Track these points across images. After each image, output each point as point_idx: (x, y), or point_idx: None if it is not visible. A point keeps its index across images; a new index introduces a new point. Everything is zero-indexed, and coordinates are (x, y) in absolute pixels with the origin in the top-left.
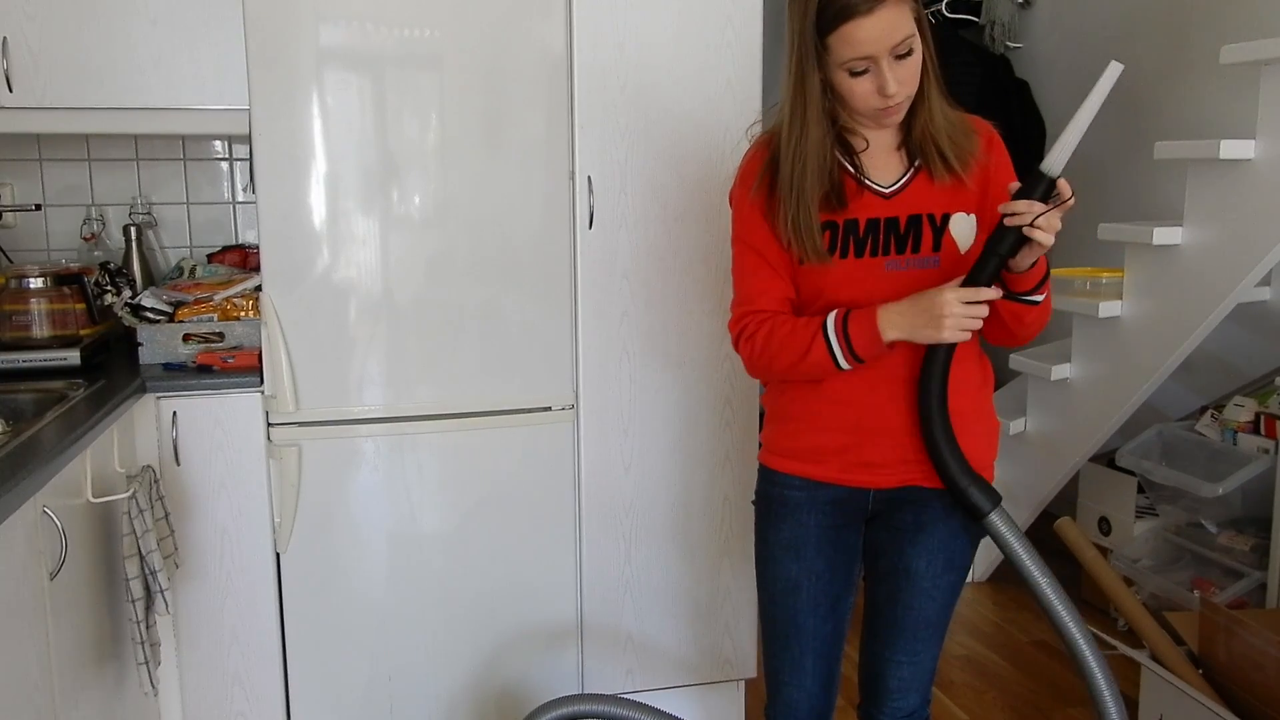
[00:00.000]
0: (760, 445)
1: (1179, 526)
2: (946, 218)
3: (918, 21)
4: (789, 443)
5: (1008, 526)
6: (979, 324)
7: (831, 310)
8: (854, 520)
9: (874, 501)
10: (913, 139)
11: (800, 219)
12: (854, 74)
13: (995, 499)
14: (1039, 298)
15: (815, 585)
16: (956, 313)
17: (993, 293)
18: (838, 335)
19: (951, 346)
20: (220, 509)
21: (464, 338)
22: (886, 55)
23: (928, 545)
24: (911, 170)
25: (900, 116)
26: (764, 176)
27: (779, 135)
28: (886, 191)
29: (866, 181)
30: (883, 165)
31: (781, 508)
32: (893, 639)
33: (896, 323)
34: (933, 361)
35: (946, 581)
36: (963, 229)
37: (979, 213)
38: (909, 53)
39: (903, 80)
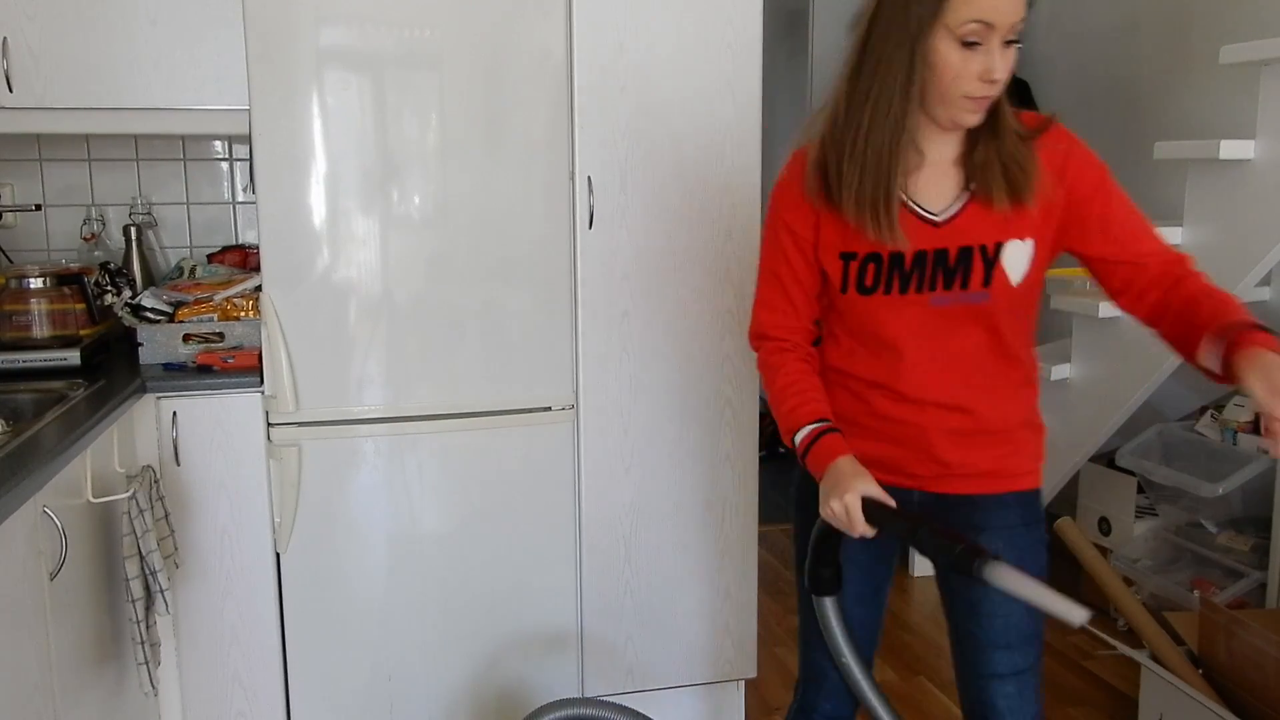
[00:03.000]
0: None
1: (1179, 526)
2: (1000, 247)
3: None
4: None
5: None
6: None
7: (825, 421)
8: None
9: (920, 502)
10: (975, 156)
11: (879, 194)
12: (966, 44)
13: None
14: None
15: (858, 575)
16: (837, 509)
17: (866, 530)
18: (801, 445)
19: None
20: (220, 509)
21: (464, 338)
22: (1004, 34)
23: (990, 544)
24: (966, 193)
25: (982, 116)
26: (816, 173)
27: (827, 132)
28: (939, 220)
29: (913, 206)
30: (936, 187)
31: None
32: (987, 656)
33: (827, 481)
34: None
35: None
36: (1016, 258)
37: (1038, 236)
38: (1015, 42)
39: (1005, 71)
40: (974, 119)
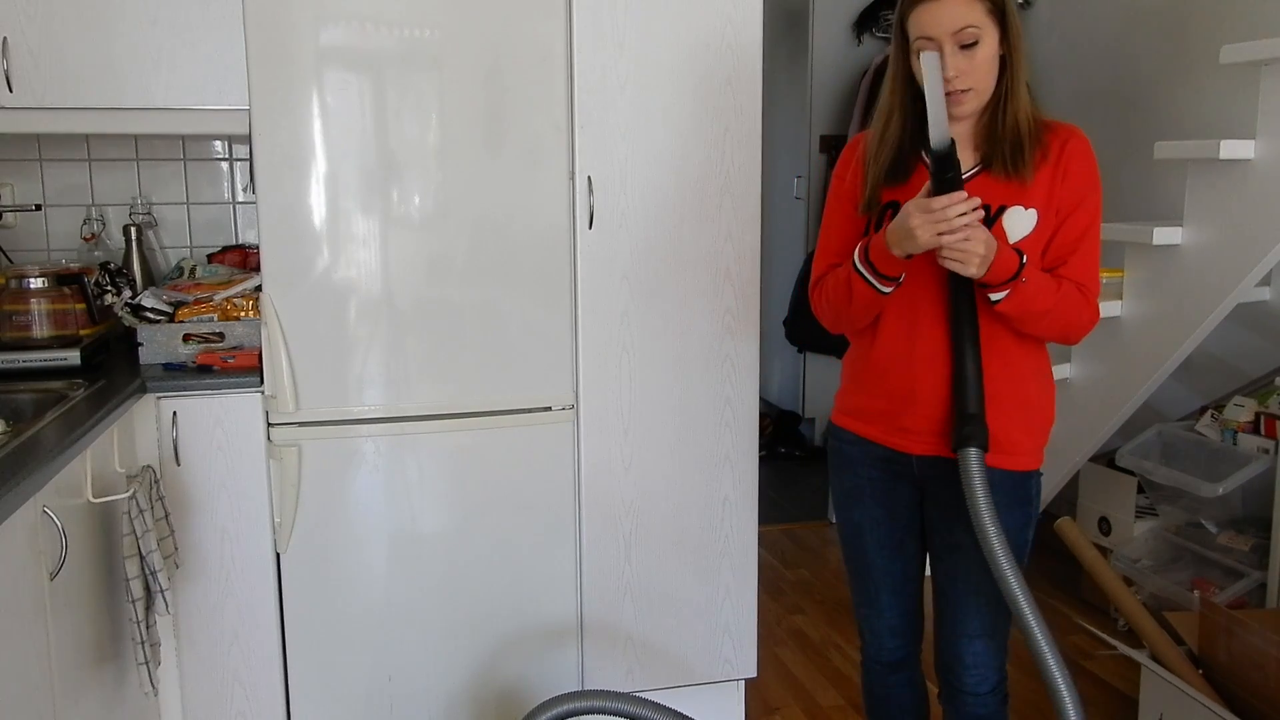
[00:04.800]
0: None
1: (1179, 526)
2: (1002, 209)
3: (1002, 27)
4: (846, 401)
5: (979, 470)
6: (955, 225)
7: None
8: (903, 476)
9: (918, 467)
10: (988, 135)
11: (869, 171)
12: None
13: (983, 444)
14: (995, 296)
15: (877, 529)
16: (917, 222)
17: (949, 199)
18: (864, 265)
19: (965, 291)
20: (220, 509)
21: (464, 338)
22: (950, 41)
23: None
24: (979, 165)
25: (967, 108)
26: (862, 149)
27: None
28: None
29: None
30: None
31: (840, 459)
32: (960, 615)
33: (890, 240)
34: (956, 294)
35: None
36: (1018, 222)
37: (1043, 208)
38: (974, 44)
39: (964, 70)
40: (958, 110)
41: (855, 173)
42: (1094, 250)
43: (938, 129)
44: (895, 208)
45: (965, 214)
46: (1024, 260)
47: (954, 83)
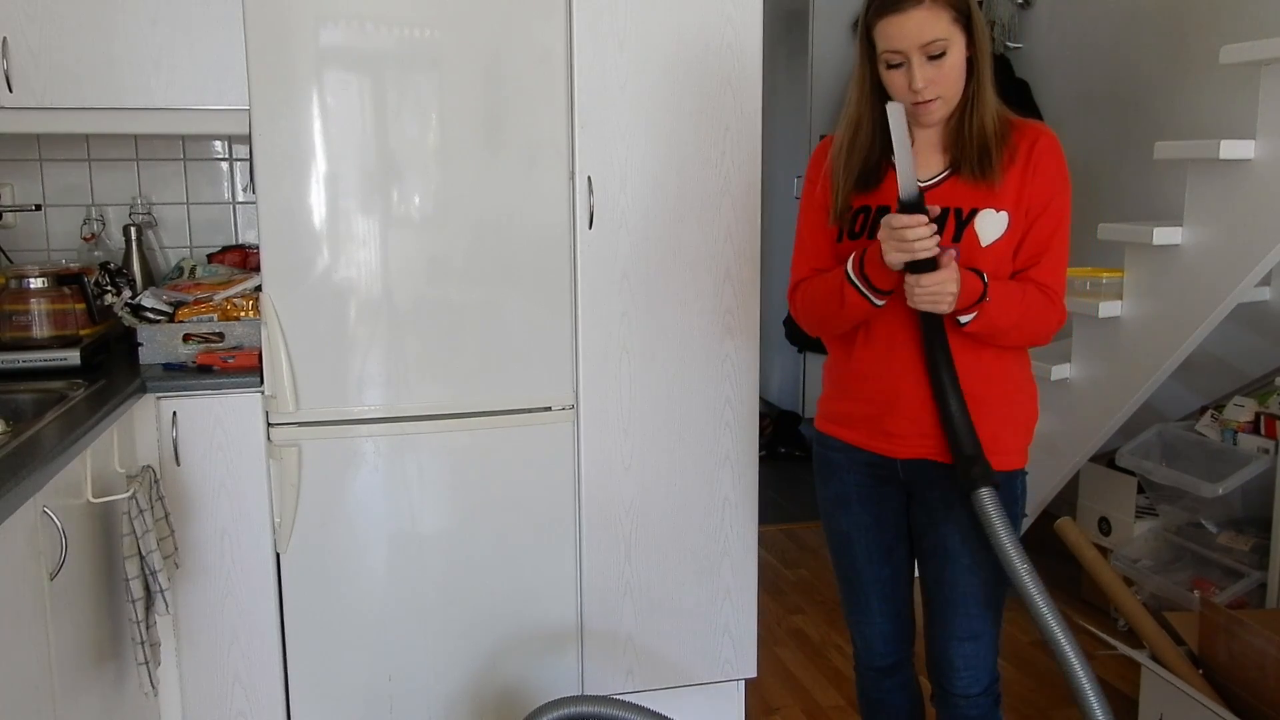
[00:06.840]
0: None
1: (1179, 526)
2: (974, 213)
3: (968, 31)
4: (829, 407)
5: (996, 510)
6: (916, 248)
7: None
8: (889, 481)
9: (903, 471)
10: (956, 139)
11: (836, 182)
12: (890, 66)
13: (992, 483)
14: (964, 319)
15: (865, 536)
16: (882, 235)
17: (910, 219)
18: (859, 278)
19: (938, 333)
20: (220, 509)
21: (464, 338)
22: (917, 53)
23: (960, 522)
24: (949, 170)
25: (935, 116)
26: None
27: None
28: (922, 185)
29: None
30: (924, 162)
31: (826, 467)
32: (949, 618)
33: (882, 254)
34: (928, 330)
35: (986, 557)
36: (990, 225)
37: (1014, 210)
38: (941, 54)
39: (932, 80)
40: (927, 119)
41: (826, 180)
42: (1063, 250)
43: (906, 180)
44: (866, 212)
45: (925, 239)
46: (986, 281)
47: (923, 93)
